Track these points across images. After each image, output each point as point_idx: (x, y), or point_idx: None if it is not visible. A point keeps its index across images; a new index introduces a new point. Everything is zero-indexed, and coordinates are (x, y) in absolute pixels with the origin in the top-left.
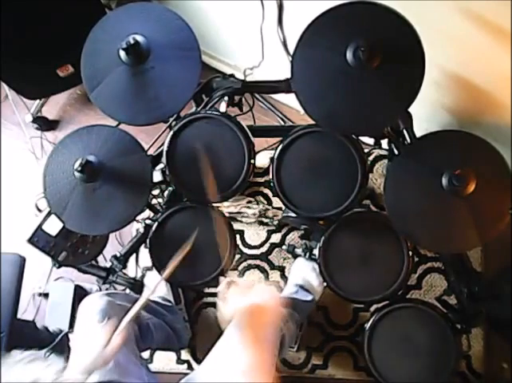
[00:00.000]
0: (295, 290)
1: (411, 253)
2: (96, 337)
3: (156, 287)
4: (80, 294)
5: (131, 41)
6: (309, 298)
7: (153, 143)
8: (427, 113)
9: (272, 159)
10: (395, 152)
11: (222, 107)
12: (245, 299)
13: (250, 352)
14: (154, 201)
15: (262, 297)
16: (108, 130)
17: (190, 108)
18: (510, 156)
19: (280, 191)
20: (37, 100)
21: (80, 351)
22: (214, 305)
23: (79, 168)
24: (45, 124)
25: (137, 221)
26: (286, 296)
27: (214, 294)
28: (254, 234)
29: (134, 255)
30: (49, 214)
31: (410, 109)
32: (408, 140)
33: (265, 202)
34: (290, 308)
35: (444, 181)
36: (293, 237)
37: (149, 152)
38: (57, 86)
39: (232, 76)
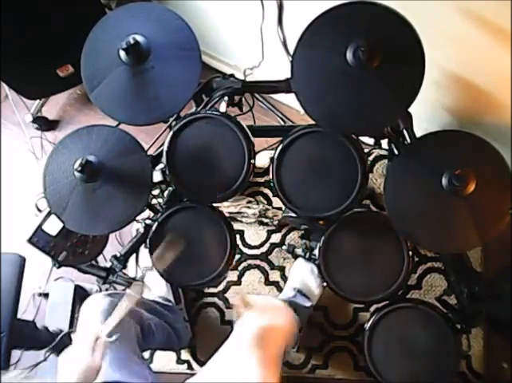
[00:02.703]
0: (293, 294)
1: (411, 253)
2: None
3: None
4: (80, 294)
5: (131, 41)
6: (308, 304)
7: (153, 143)
8: (427, 113)
9: (272, 159)
10: (395, 151)
11: (222, 107)
12: (261, 319)
13: (261, 373)
14: (154, 201)
15: (279, 317)
16: (108, 130)
17: (190, 108)
18: (510, 156)
19: (280, 191)
20: (37, 100)
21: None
22: (214, 305)
23: (79, 168)
24: (45, 124)
25: (137, 221)
26: (285, 300)
27: (214, 294)
28: (254, 234)
29: (134, 255)
30: (49, 214)
31: (410, 109)
32: (408, 140)
33: (265, 202)
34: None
35: (444, 181)
36: (293, 237)
37: (149, 152)
38: (57, 86)
39: (232, 76)
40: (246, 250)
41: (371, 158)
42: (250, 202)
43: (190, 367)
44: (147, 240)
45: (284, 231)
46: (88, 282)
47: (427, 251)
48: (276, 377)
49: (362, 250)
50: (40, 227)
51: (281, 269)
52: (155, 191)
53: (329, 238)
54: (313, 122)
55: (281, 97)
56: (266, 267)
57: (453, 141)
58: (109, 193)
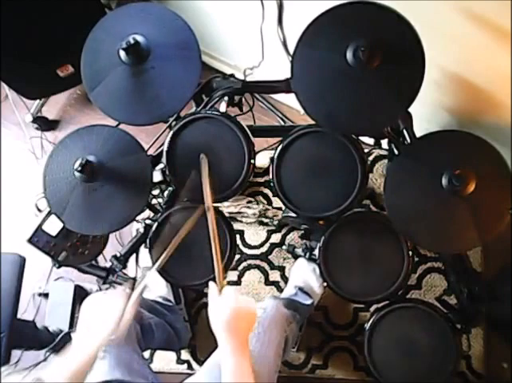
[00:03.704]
0: (294, 292)
1: (411, 253)
2: (111, 307)
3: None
4: (80, 294)
5: (131, 41)
6: (309, 301)
7: (153, 143)
8: (427, 113)
9: (272, 159)
10: (395, 151)
11: (222, 107)
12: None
13: (234, 360)
14: (154, 201)
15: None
16: (108, 130)
17: (190, 108)
18: (510, 156)
19: (280, 191)
20: (37, 100)
21: (92, 322)
22: None
23: (79, 168)
24: (45, 124)
25: (137, 221)
26: (286, 297)
27: None
28: (254, 234)
29: (134, 255)
30: (49, 214)
31: (410, 109)
32: (408, 140)
33: (265, 202)
34: (292, 310)
35: (444, 181)
36: (293, 237)
37: (149, 152)
38: (57, 86)
39: (232, 76)
40: (246, 250)
41: (371, 158)
42: (250, 202)
43: (190, 367)
44: (147, 240)
45: (284, 231)
46: (88, 282)
47: (427, 251)
48: (247, 364)
49: (362, 250)
50: (40, 227)
51: (281, 269)
52: (155, 191)
53: (329, 238)
54: (313, 122)
55: (281, 97)
56: (266, 267)
57: (453, 141)
58: (109, 193)
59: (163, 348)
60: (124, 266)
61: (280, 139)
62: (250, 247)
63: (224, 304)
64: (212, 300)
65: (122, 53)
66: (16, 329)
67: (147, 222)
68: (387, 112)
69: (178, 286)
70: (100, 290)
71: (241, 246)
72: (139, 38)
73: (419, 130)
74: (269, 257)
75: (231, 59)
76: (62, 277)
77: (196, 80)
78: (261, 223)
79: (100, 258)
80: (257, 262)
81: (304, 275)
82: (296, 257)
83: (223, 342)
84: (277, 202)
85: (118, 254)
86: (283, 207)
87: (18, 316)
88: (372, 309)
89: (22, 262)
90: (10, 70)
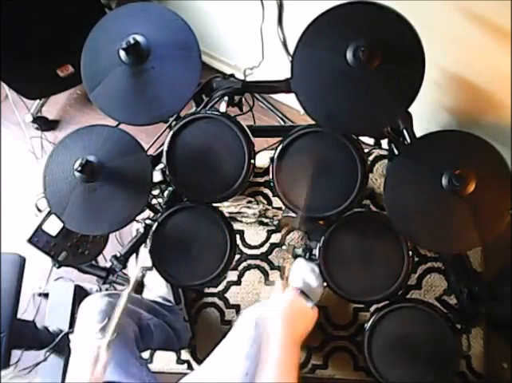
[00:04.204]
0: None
1: (411, 253)
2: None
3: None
4: (80, 294)
5: (131, 41)
6: (309, 305)
7: (153, 143)
8: (427, 113)
9: (272, 159)
10: (395, 151)
11: (222, 107)
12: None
13: (282, 351)
14: (154, 201)
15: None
16: (108, 130)
17: (190, 108)
18: (510, 156)
19: (280, 191)
20: (37, 100)
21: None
22: (214, 305)
23: (79, 168)
24: (45, 124)
25: (137, 221)
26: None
27: (214, 294)
28: (254, 234)
29: (134, 255)
30: (49, 214)
31: (410, 109)
32: (408, 140)
33: (265, 202)
34: None
35: (444, 181)
36: (293, 237)
37: (149, 152)
38: (57, 86)
39: (232, 76)
40: (246, 250)
41: (371, 158)
42: (250, 202)
43: (190, 367)
44: (147, 240)
45: (284, 231)
46: (89, 282)
47: (427, 251)
48: (295, 361)
49: (362, 250)
50: (40, 227)
51: (281, 269)
52: (155, 191)
53: (329, 238)
54: (313, 122)
55: (281, 97)
56: (266, 267)
57: (453, 141)
58: (109, 193)
59: (163, 348)
60: (124, 266)
61: (280, 139)
62: (250, 247)
63: (290, 297)
64: (276, 293)
65: (122, 53)
66: (16, 329)
67: (147, 222)
68: (387, 112)
69: (178, 286)
70: (100, 290)
71: (241, 246)
72: (139, 38)
73: (419, 130)
74: (269, 257)
75: (231, 59)
76: (62, 277)
77: (196, 80)
78: (261, 223)
79: (100, 258)
80: (257, 262)
81: (303, 275)
82: (296, 257)
83: (275, 330)
84: (277, 202)
85: (118, 254)
86: (283, 207)
87: (18, 316)
88: (372, 309)
89: (22, 262)
90: (10, 70)
